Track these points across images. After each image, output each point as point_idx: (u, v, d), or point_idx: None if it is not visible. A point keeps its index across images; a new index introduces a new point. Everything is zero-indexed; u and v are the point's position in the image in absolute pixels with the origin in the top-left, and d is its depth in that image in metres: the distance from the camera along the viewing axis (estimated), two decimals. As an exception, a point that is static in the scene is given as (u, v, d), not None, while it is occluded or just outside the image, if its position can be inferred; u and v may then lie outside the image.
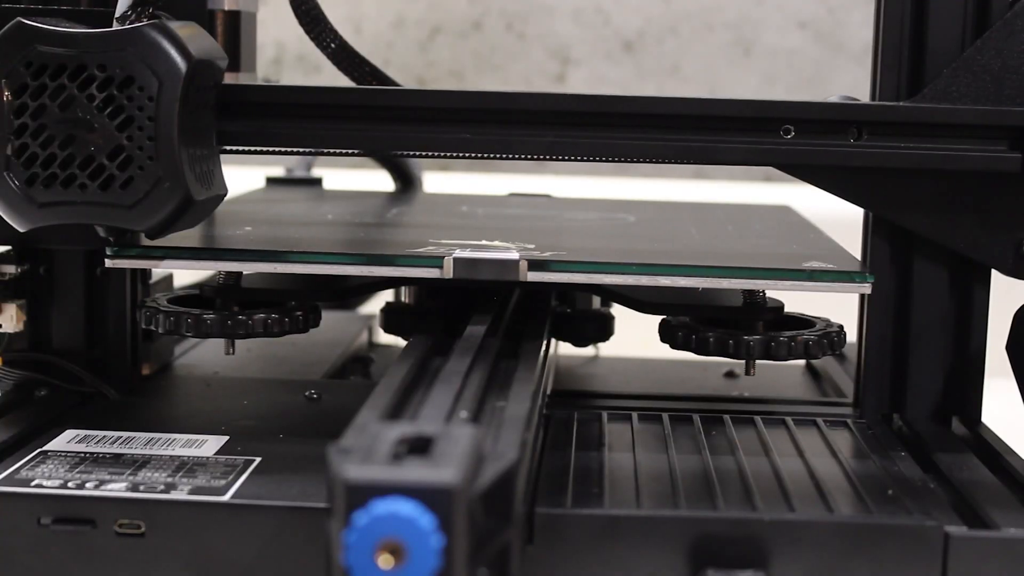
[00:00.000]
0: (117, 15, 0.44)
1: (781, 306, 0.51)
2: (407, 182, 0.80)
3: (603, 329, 0.59)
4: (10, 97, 0.44)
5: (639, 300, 0.51)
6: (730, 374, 0.63)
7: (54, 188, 0.44)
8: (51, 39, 0.44)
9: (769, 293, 0.51)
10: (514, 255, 0.48)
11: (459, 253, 0.48)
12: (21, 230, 0.45)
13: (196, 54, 0.43)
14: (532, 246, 0.50)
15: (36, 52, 0.44)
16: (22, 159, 0.44)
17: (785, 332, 0.50)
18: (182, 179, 0.43)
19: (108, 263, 0.49)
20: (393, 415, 0.39)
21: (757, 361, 0.50)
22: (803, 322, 0.52)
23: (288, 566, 0.41)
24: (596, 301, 0.59)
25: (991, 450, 0.48)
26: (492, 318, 0.50)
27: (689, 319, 0.52)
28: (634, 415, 0.52)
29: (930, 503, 0.42)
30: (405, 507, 0.29)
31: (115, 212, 0.44)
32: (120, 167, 0.44)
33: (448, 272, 0.47)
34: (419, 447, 0.32)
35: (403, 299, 0.58)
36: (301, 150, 0.55)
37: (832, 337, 0.51)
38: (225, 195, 0.48)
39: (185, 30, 0.44)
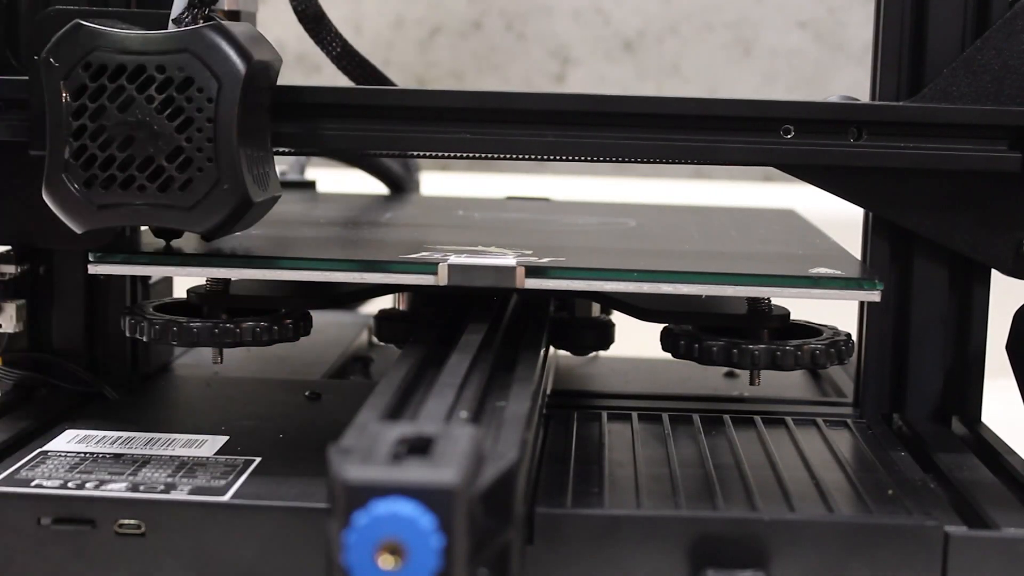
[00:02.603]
0: (173, 16, 0.45)
1: (787, 313, 0.51)
2: (397, 187, 0.79)
3: (603, 337, 0.58)
4: (69, 99, 0.44)
5: (640, 308, 0.51)
6: (730, 374, 0.63)
7: (112, 190, 0.44)
8: (110, 41, 0.44)
9: (774, 300, 0.50)
10: (511, 261, 0.47)
11: (454, 259, 0.47)
12: (79, 232, 0.45)
13: (255, 55, 0.43)
14: (530, 252, 0.50)
15: (95, 54, 0.44)
16: (80, 161, 0.44)
17: (791, 341, 0.50)
18: (241, 181, 0.43)
19: (91, 269, 0.48)
20: (393, 415, 0.39)
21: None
22: (809, 330, 0.52)
23: (288, 566, 0.41)
24: (596, 308, 0.59)
25: (991, 450, 0.48)
26: (491, 321, 0.49)
27: (692, 327, 0.51)
28: (634, 415, 0.52)
29: (930, 503, 0.42)
30: (405, 507, 0.29)
31: (173, 214, 0.44)
32: (179, 169, 0.44)
33: (443, 279, 0.47)
34: (419, 447, 0.32)
35: (398, 306, 0.58)
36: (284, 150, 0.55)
37: (840, 346, 0.50)
38: (279, 197, 0.47)
39: (242, 31, 0.44)
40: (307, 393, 0.55)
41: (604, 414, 0.52)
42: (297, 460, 0.45)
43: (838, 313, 0.54)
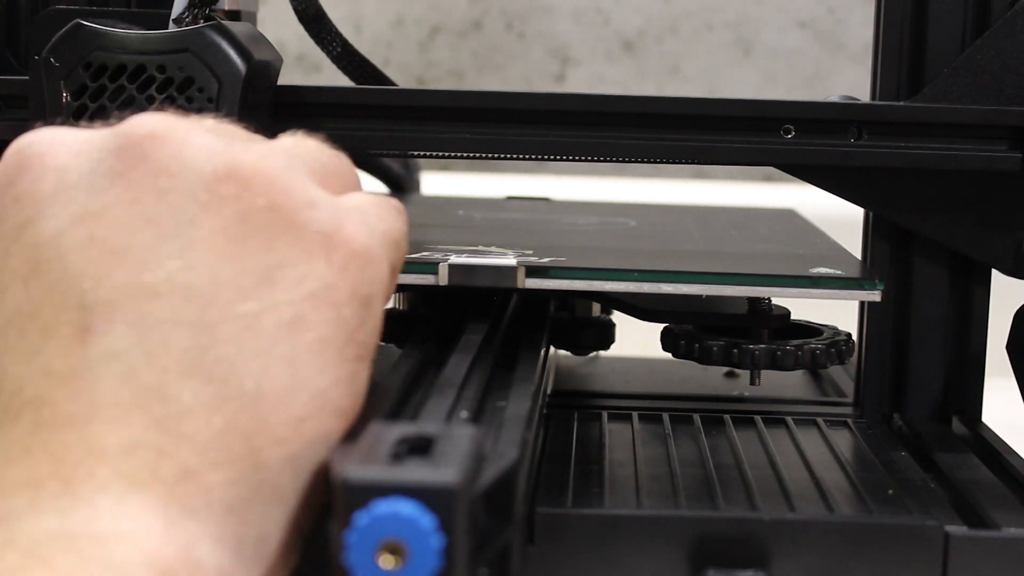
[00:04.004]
0: (173, 16, 0.45)
1: (787, 313, 0.51)
2: (398, 187, 0.79)
3: (604, 337, 0.58)
4: (69, 99, 0.44)
5: (641, 307, 0.51)
6: (731, 374, 0.63)
7: None
8: (110, 41, 0.44)
9: (774, 300, 0.50)
10: (511, 261, 0.47)
11: (455, 259, 0.47)
12: None
13: (255, 55, 0.44)
14: (530, 251, 0.50)
15: (95, 54, 0.44)
16: None
17: (791, 341, 0.50)
18: None
19: None
20: (393, 415, 0.39)
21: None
22: (810, 330, 0.52)
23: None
24: (597, 308, 0.59)
25: (991, 450, 0.48)
26: (491, 321, 0.49)
27: (692, 327, 0.51)
28: (634, 415, 0.52)
29: (930, 503, 0.42)
30: (406, 507, 0.29)
31: None
32: None
33: (443, 279, 0.47)
34: (420, 447, 0.32)
35: (398, 305, 0.58)
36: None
37: (840, 346, 0.50)
38: None
39: (243, 31, 0.44)
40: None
41: (604, 414, 0.52)
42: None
43: (838, 313, 0.54)
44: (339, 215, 0.33)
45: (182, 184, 0.31)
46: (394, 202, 0.37)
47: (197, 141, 0.32)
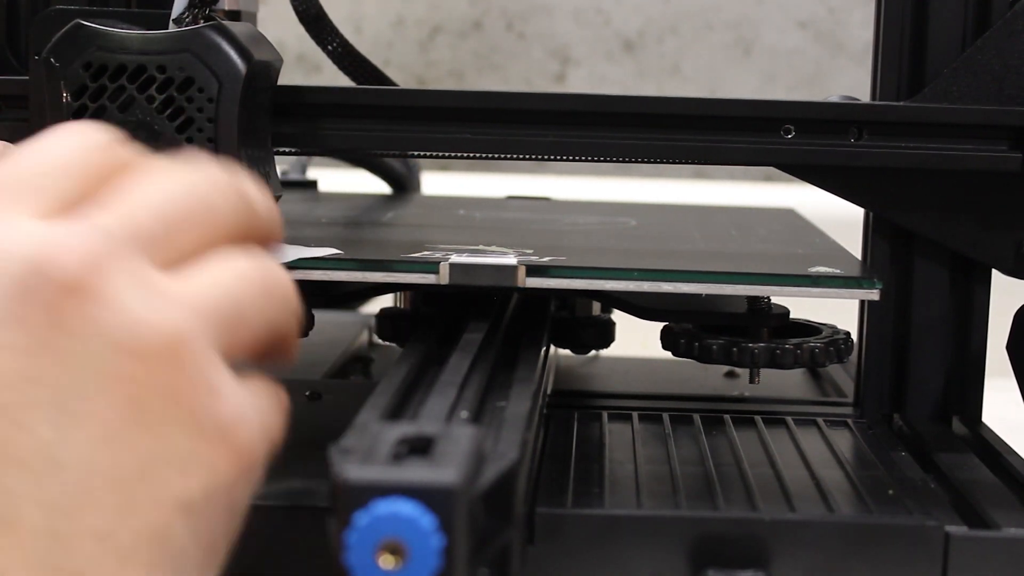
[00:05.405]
0: (173, 16, 0.45)
1: (786, 312, 0.51)
2: (400, 186, 0.80)
3: (604, 336, 0.58)
4: (69, 99, 0.44)
5: (641, 306, 0.51)
6: (731, 374, 0.63)
7: None
8: (110, 41, 0.44)
9: (774, 299, 0.50)
10: (512, 260, 0.47)
11: (455, 258, 0.47)
12: None
13: (255, 55, 0.44)
14: (531, 251, 0.50)
15: (95, 54, 0.44)
16: None
17: (791, 340, 0.50)
18: None
19: None
20: (394, 415, 0.39)
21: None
22: (809, 329, 0.52)
23: (288, 566, 0.40)
24: (597, 307, 0.59)
25: (991, 450, 0.48)
26: (492, 320, 0.49)
27: (692, 326, 0.51)
28: (635, 415, 0.52)
29: (930, 503, 0.42)
30: (406, 507, 0.29)
31: None
32: None
33: (444, 278, 0.47)
34: (420, 447, 0.32)
35: (399, 304, 0.58)
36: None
37: (839, 345, 0.50)
38: (280, 197, 0.47)
39: (243, 31, 0.44)
40: (307, 393, 0.55)
41: (604, 414, 0.52)
42: (297, 460, 0.45)
43: (839, 314, 0.54)
44: (238, 408, 0.31)
45: (85, 350, 0.28)
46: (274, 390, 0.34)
47: (114, 302, 0.29)
